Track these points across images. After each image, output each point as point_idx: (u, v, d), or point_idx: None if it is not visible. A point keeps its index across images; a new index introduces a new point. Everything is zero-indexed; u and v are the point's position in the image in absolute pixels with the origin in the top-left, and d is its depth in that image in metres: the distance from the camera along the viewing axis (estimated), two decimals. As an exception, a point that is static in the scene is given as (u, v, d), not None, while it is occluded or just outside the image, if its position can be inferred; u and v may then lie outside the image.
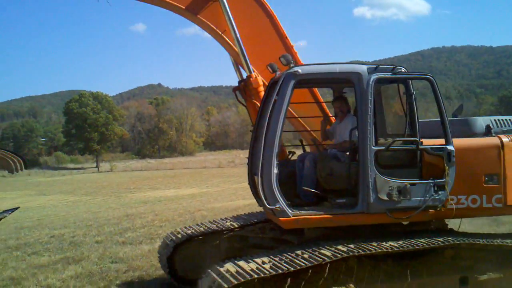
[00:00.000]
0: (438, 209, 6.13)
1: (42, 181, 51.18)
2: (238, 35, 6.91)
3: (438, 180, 6.06)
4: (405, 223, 6.43)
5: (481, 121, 6.84)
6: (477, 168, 6.26)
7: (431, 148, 6.12)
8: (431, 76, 6.14)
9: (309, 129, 7.75)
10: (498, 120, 6.88)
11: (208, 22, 7.18)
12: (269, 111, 6.00)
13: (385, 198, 5.94)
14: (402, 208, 6.03)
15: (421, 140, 6.22)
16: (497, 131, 6.73)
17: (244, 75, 7.19)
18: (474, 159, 6.28)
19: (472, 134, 6.71)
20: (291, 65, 6.07)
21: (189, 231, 8.03)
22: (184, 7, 7.09)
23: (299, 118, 7.72)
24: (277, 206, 5.89)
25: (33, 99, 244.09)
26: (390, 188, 5.95)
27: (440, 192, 6.07)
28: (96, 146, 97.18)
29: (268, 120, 5.96)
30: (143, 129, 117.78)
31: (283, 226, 6.12)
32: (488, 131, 6.71)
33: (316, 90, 7.72)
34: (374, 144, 5.97)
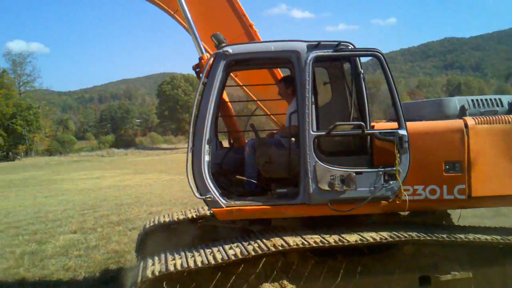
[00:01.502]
0: (390, 200, 5.47)
1: (139, 161, 53.69)
2: (188, 15, 6.50)
3: (389, 169, 5.38)
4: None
5: (456, 102, 6.02)
6: (436, 154, 5.50)
7: (379, 132, 5.44)
8: (379, 52, 5.43)
9: (269, 113, 7.23)
10: (477, 100, 6.04)
11: (159, 2, 6.86)
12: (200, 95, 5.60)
13: (327, 188, 5.37)
14: (347, 199, 5.41)
15: (372, 124, 5.59)
16: (473, 112, 5.91)
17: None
18: (433, 145, 5.52)
19: (444, 116, 5.93)
20: (223, 44, 5.60)
21: (166, 219, 7.83)
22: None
23: (258, 102, 7.23)
24: (207, 196, 5.49)
25: (128, 82, 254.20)
26: (332, 177, 5.36)
27: (391, 182, 5.39)
28: (188, 127, 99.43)
29: (198, 105, 5.56)
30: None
31: (217, 218, 5.71)
32: (462, 113, 5.91)
33: (278, 70, 7.15)
34: (314, 129, 5.40)
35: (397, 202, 5.46)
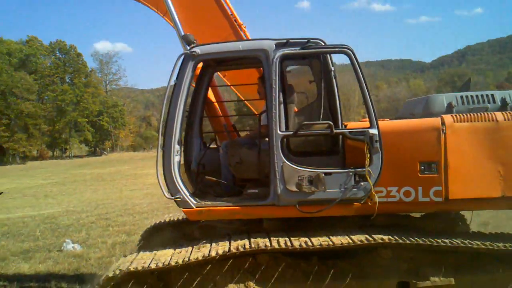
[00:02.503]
0: (362, 202, 5.22)
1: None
2: (175, 18, 6.52)
3: (359, 169, 5.15)
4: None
5: (443, 99, 5.68)
6: (411, 154, 5.18)
7: (349, 132, 5.22)
8: (348, 48, 5.21)
9: (256, 113, 7.11)
10: (466, 96, 5.66)
11: (150, 5, 6.94)
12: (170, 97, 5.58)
13: (294, 189, 5.21)
14: (315, 200, 5.22)
15: (345, 124, 5.38)
16: (461, 109, 5.55)
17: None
18: (407, 144, 5.21)
19: (430, 114, 5.61)
20: (192, 45, 5.57)
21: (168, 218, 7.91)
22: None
23: (246, 101, 7.14)
24: (177, 196, 5.48)
25: None
26: (300, 178, 5.20)
27: (362, 183, 5.16)
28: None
29: (169, 107, 5.56)
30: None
31: (188, 218, 5.69)
32: (449, 110, 5.56)
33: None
34: (281, 129, 5.26)
35: (369, 204, 5.21)
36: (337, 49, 5.26)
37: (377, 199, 5.14)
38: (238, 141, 5.94)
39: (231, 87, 7.11)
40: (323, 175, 5.19)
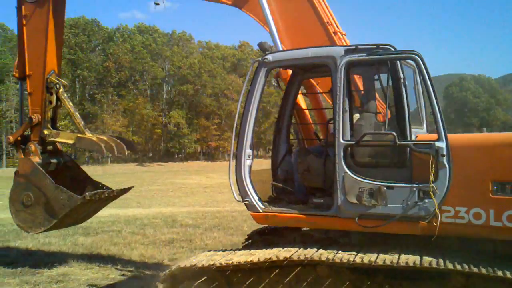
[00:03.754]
0: (427, 221, 4.81)
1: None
2: (273, 30, 6.72)
3: (423, 185, 4.78)
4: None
5: None
6: (482, 172, 4.63)
7: (414, 144, 4.86)
8: (416, 54, 4.86)
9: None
10: None
11: (252, 15, 7.24)
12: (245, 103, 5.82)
13: (354, 201, 5.04)
14: (375, 215, 4.99)
15: (418, 136, 5.04)
16: None
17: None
18: (479, 161, 4.66)
19: None
20: (267, 52, 5.73)
21: None
22: (230, 3, 7.38)
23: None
24: (246, 199, 5.70)
25: None
26: (360, 190, 5.02)
27: (426, 200, 4.78)
28: (475, 131, 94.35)
29: (243, 112, 5.80)
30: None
31: (255, 221, 5.85)
32: None
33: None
34: (345, 138, 5.14)
35: (435, 224, 4.78)
36: (404, 55, 4.97)
37: (439, 219, 4.70)
38: (307, 149, 5.93)
39: (324, 94, 7.07)
40: (385, 188, 4.93)
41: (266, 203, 5.72)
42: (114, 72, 75.59)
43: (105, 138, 7.80)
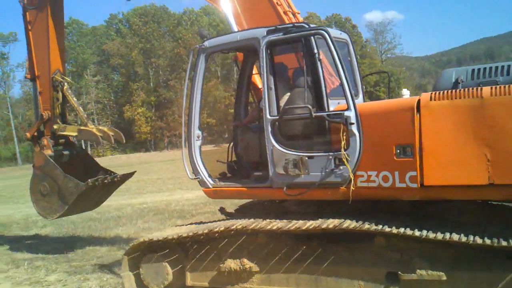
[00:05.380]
0: (344, 187, 5.11)
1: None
2: (228, 15, 6.96)
3: (337, 153, 5.08)
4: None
5: (453, 73, 5.03)
6: (387, 137, 4.82)
7: (328, 115, 5.14)
8: (323, 30, 5.12)
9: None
10: (478, 69, 4.89)
11: (212, 3, 7.50)
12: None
13: (282, 171, 5.44)
14: (300, 184, 5.35)
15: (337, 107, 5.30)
16: (469, 84, 4.85)
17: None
18: (384, 127, 4.86)
19: (438, 89, 5.07)
20: (205, 39, 6.13)
21: None
22: None
23: None
24: (197, 177, 6.22)
25: (488, 41, 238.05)
26: (286, 161, 5.40)
27: (341, 167, 5.08)
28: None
29: (190, 96, 6.25)
30: None
31: (208, 196, 6.35)
32: (455, 86, 4.93)
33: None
34: (271, 114, 5.51)
35: (353, 189, 5.07)
36: (313, 31, 5.23)
37: (362, 184, 5.01)
38: (247, 126, 6.29)
39: None
40: (306, 158, 5.28)
41: (216, 179, 6.19)
42: (185, 57, 77.75)
43: (105, 129, 8.66)
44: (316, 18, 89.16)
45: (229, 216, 6.65)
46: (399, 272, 4.81)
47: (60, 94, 8.81)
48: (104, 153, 61.05)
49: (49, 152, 8.64)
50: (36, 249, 9.98)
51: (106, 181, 8.60)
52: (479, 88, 4.45)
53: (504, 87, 4.31)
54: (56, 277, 7.93)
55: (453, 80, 4.93)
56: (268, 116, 5.49)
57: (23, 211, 16.69)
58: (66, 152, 8.98)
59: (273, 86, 5.53)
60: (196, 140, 6.19)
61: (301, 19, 7.09)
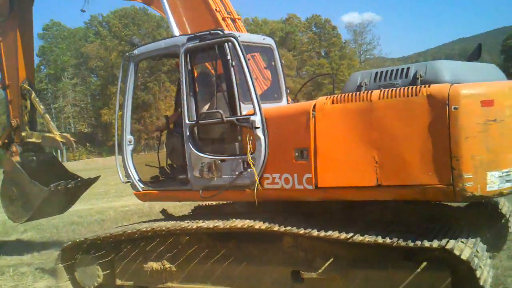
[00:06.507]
0: (252, 189, 5.26)
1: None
2: (171, 23, 6.97)
3: (244, 156, 5.25)
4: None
5: (358, 77, 5.08)
6: (288, 141, 5.02)
7: (237, 119, 5.31)
8: (232, 36, 5.31)
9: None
10: (381, 72, 4.92)
11: (159, 11, 7.65)
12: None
13: (198, 175, 5.60)
14: (214, 186, 5.54)
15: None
16: (372, 87, 4.83)
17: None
18: (285, 130, 5.06)
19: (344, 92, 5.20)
20: (135, 47, 6.24)
21: None
22: (140, 1, 8.11)
23: None
24: (129, 180, 6.37)
25: (464, 41, 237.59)
26: (202, 165, 5.58)
27: (249, 170, 5.25)
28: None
29: (122, 103, 6.40)
30: None
31: (138, 199, 6.49)
32: (358, 89, 4.98)
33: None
34: (189, 119, 5.66)
35: (259, 190, 5.24)
36: (224, 38, 5.39)
37: (268, 186, 5.19)
38: (172, 130, 6.43)
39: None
40: (219, 161, 5.45)
41: (146, 183, 6.35)
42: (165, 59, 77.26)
43: (67, 135, 8.88)
44: (296, 20, 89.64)
45: (168, 217, 6.80)
46: (300, 271, 5.00)
47: (29, 102, 8.99)
48: (80, 156, 60.50)
49: (17, 158, 8.79)
50: (19, 255, 9.78)
51: (69, 185, 8.70)
52: (369, 91, 4.62)
53: (391, 90, 4.49)
54: (45, 283, 7.69)
55: (358, 83, 5.07)
56: (187, 121, 5.65)
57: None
58: (34, 158, 9.14)
59: (192, 92, 5.67)
60: (128, 144, 6.36)
61: (241, 25, 7.25)
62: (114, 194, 19.69)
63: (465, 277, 4.18)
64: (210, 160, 5.49)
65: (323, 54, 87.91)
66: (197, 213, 6.67)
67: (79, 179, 9.09)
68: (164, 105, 72.27)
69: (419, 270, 4.35)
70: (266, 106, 5.46)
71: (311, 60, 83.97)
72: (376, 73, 5.01)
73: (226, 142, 5.59)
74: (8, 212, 9.01)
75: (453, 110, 4.11)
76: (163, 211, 6.86)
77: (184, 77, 5.67)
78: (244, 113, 5.40)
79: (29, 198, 8.55)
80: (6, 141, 9.22)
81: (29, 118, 9.13)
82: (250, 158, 5.17)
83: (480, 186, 4.15)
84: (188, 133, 5.65)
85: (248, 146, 5.18)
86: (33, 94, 9.01)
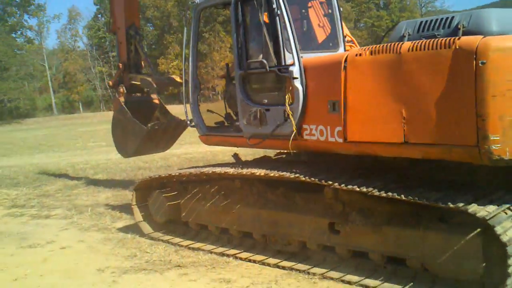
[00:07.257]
0: (293, 139, 5.28)
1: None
2: None
3: (283, 106, 5.28)
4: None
5: (403, 26, 4.78)
6: (322, 92, 4.93)
7: (278, 69, 5.29)
8: None
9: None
10: (426, 21, 4.61)
11: None
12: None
13: (245, 123, 5.79)
14: (259, 135, 5.69)
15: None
16: (415, 37, 4.57)
17: None
18: (320, 81, 4.95)
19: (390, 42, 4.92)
20: None
21: None
22: None
23: None
24: (193, 124, 6.77)
25: None
26: (249, 114, 5.73)
27: (289, 120, 5.28)
28: None
29: (189, 51, 6.66)
30: None
31: (202, 142, 6.85)
32: (401, 39, 4.72)
33: None
34: (239, 68, 5.78)
35: (299, 141, 5.27)
36: None
37: (307, 137, 5.19)
38: (230, 78, 6.56)
39: None
40: (264, 111, 5.55)
41: (208, 128, 6.66)
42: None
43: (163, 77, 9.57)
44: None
45: (238, 162, 7.14)
46: (336, 223, 5.03)
47: (133, 46, 9.68)
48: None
49: (122, 98, 9.61)
50: (94, 196, 10.34)
51: (164, 126, 9.42)
52: (399, 43, 4.32)
53: (421, 42, 4.16)
54: (123, 223, 7.93)
55: (401, 34, 4.74)
56: (238, 71, 5.78)
57: (66, 159, 17.17)
58: (137, 99, 9.96)
59: (243, 41, 5.72)
60: (195, 90, 6.65)
61: None
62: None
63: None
64: (256, 109, 5.61)
65: (381, 5, 79.75)
66: (259, 161, 6.79)
67: (174, 120, 9.69)
68: (218, 56, 69.51)
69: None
70: (319, 55, 5.36)
71: (370, 11, 77.32)
72: (421, 22, 4.65)
73: (269, 91, 5.63)
74: (117, 148, 9.94)
75: (480, 65, 3.70)
76: (235, 155, 7.14)
77: (234, 26, 5.73)
78: (288, 62, 5.35)
79: (132, 135, 9.29)
80: (115, 82, 9.92)
81: (134, 61, 9.74)
82: (289, 108, 5.18)
83: (509, 149, 3.77)
84: (238, 82, 5.78)
85: (287, 96, 5.18)
86: (137, 38, 9.60)
